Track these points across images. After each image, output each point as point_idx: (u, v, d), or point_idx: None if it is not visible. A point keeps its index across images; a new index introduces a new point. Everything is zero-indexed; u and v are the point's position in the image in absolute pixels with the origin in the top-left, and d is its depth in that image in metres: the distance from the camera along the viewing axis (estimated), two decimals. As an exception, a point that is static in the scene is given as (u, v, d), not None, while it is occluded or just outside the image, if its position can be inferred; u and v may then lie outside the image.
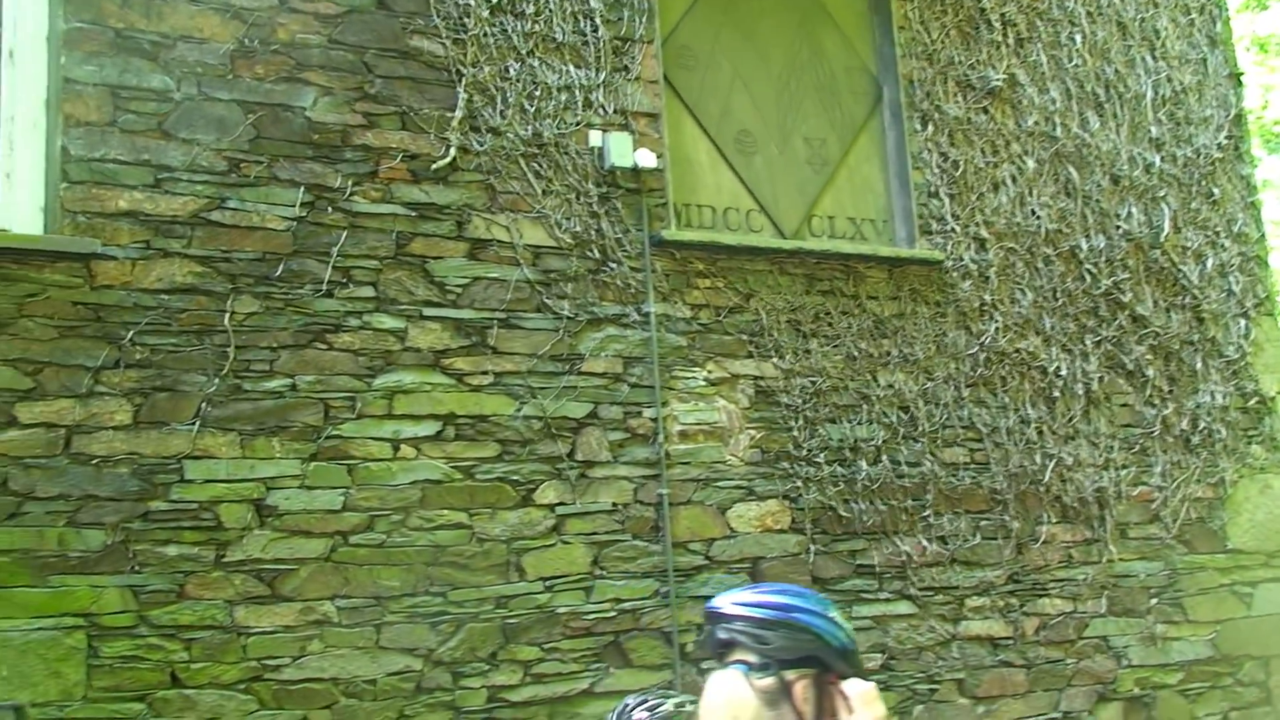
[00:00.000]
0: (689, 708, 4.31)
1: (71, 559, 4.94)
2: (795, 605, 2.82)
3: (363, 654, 5.31)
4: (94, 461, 5.03)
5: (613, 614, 5.80)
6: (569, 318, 6.02)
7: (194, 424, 5.21)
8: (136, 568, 5.02)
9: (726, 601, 2.88)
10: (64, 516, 4.95)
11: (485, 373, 5.79)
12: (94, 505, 5.00)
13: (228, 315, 5.36)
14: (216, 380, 5.29)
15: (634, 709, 4.14)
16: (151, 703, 4.96)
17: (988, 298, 7.17)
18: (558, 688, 5.62)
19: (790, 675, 2.71)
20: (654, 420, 6.09)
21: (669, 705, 4.31)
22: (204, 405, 5.24)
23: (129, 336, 5.16)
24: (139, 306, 5.21)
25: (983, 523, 6.81)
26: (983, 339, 7.09)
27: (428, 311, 5.75)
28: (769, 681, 2.71)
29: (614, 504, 5.92)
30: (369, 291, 5.64)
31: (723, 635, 2.85)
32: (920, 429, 6.76)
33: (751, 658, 2.76)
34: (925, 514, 6.66)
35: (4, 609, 4.82)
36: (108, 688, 4.92)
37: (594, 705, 5.52)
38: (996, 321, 7.15)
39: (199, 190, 5.42)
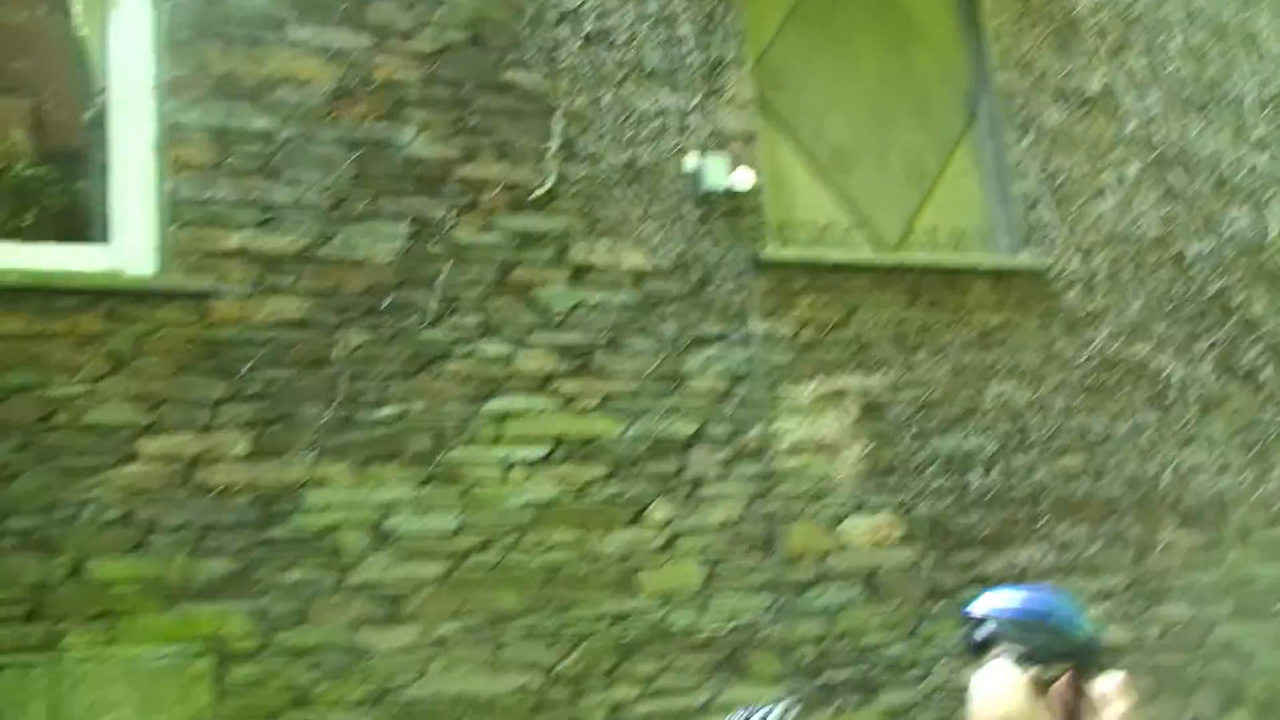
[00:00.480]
0: (790, 716, 4.35)
1: (196, 587, 5.06)
2: (1052, 605, 2.97)
3: (483, 672, 5.37)
4: (214, 492, 5.15)
5: (728, 629, 5.80)
6: (672, 339, 6.06)
7: (310, 453, 5.32)
8: (259, 594, 5.13)
9: (985, 604, 3.04)
10: (187, 546, 5.08)
11: (592, 395, 5.84)
12: (216, 534, 5.12)
13: (338, 347, 5.47)
14: (330, 410, 5.39)
15: None
16: (279, 724, 5.09)
17: (1095, 305, 7.10)
18: (675, 702, 5.63)
19: (1052, 672, 2.83)
20: (761, 437, 6.10)
21: (775, 714, 4.35)
22: (319, 435, 5.35)
23: (244, 371, 5.29)
24: (252, 342, 5.34)
25: (1101, 530, 6.72)
26: (1091, 346, 7.01)
27: (533, 337, 5.82)
28: (1034, 674, 2.84)
29: (725, 520, 5.93)
30: (474, 320, 5.73)
31: (982, 637, 3.01)
32: (1032, 439, 6.70)
33: (1013, 656, 2.91)
34: (1041, 523, 6.58)
35: (133, 637, 4.94)
36: (236, 711, 5.02)
37: (712, 720, 5.53)
38: (1105, 329, 7.07)
39: (306, 228, 5.55)
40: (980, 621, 3.01)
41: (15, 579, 4.86)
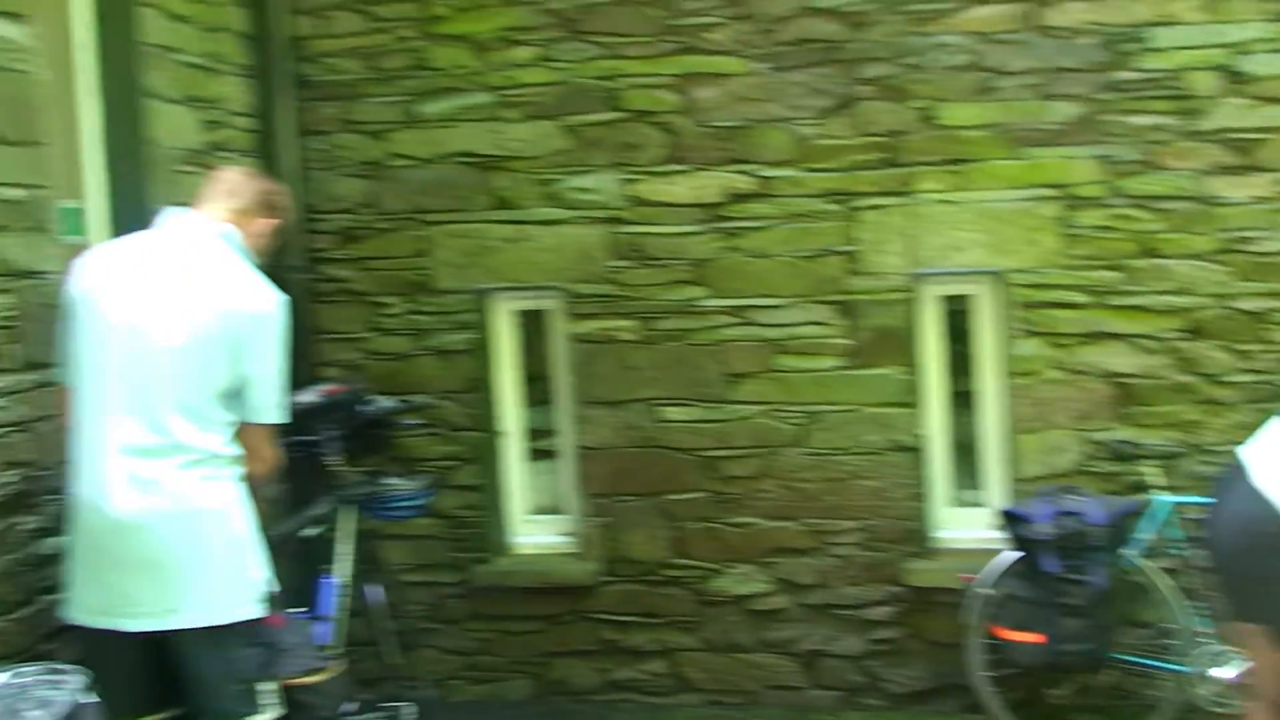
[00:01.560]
0: None
1: (1042, 131, 5.05)
2: None
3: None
4: (1061, 33, 5.04)
5: None
6: None
7: (1157, -11, 5.04)
8: (1105, 138, 5.04)
9: None
10: (1033, 90, 5.05)
11: None
12: (1062, 77, 5.05)
13: None
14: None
15: None
16: (1125, 271, 5.07)
17: None
18: None
19: None
20: None
21: None
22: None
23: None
24: None
25: None
26: None
27: None
28: None
29: None
30: None
31: None
32: None
33: None
34: None
35: (983, 180, 5.10)
36: (1082, 256, 5.08)
37: None
38: None
39: None
40: None
41: (873, 125, 5.09)
